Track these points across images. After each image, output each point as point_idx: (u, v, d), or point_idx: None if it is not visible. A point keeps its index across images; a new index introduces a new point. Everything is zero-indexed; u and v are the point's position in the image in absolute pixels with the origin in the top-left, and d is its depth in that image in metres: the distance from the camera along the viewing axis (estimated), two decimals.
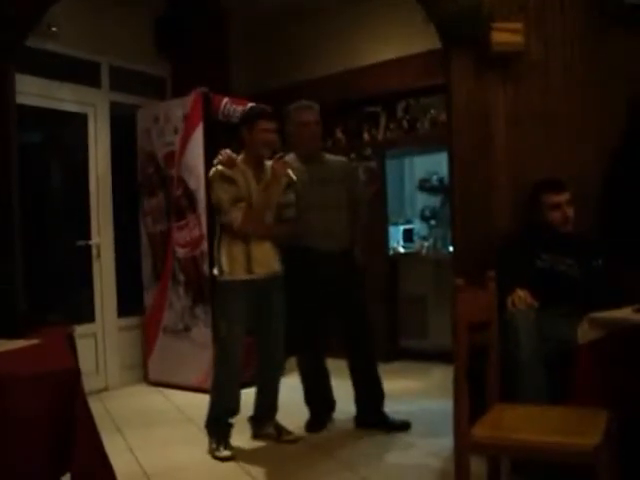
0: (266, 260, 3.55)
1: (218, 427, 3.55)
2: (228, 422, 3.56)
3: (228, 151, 3.55)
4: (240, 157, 3.56)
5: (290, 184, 3.61)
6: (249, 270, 3.49)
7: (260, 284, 3.52)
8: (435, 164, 6.07)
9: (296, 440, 3.66)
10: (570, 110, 3.34)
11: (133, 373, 5.38)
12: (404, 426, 3.76)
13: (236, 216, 3.41)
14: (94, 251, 5.17)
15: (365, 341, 3.86)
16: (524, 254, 3.11)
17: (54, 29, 4.76)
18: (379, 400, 3.86)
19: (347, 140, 6.03)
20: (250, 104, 5.01)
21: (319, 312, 3.82)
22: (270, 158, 3.54)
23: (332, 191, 3.78)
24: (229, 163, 3.48)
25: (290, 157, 3.85)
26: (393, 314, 5.83)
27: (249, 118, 3.60)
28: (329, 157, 3.99)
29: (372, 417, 3.83)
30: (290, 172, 3.55)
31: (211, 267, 3.84)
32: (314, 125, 3.82)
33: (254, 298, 3.52)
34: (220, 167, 3.48)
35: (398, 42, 5.54)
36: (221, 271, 3.52)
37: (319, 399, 3.96)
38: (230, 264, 3.49)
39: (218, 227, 3.58)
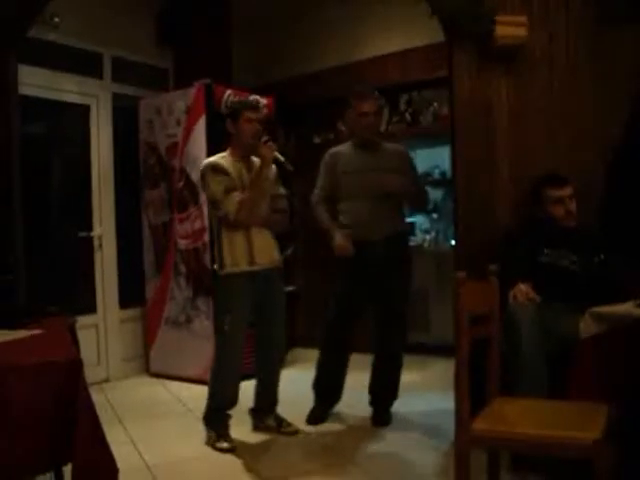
0: (267, 249, 3.56)
1: (217, 419, 3.56)
2: (226, 414, 3.57)
3: None
4: (229, 151, 3.58)
5: (287, 169, 3.60)
6: (251, 261, 3.49)
7: (261, 275, 3.52)
8: (437, 157, 6.06)
9: (296, 432, 3.67)
10: (573, 105, 3.33)
11: (134, 364, 5.40)
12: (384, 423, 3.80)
13: (230, 208, 3.40)
14: (96, 242, 5.18)
15: (396, 334, 3.81)
16: (526, 248, 3.11)
17: (56, 20, 4.75)
18: (388, 399, 3.88)
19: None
20: (253, 96, 5.04)
21: (356, 303, 3.79)
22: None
23: (383, 179, 3.72)
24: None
25: (346, 145, 3.89)
26: None
27: (233, 110, 3.61)
28: (386, 145, 3.92)
29: (379, 414, 3.85)
30: (277, 154, 3.51)
31: (212, 262, 3.84)
32: (372, 116, 3.77)
33: (256, 290, 3.52)
34: (211, 159, 3.51)
35: (401, 35, 5.53)
36: (222, 264, 3.51)
37: (328, 389, 3.94)
38: (232, 255, 3.48)
39: (215, 221, 3.57)
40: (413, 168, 3.93)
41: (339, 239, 3.67)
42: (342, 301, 3.79)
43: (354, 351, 3.90)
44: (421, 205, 4.16)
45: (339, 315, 3.81)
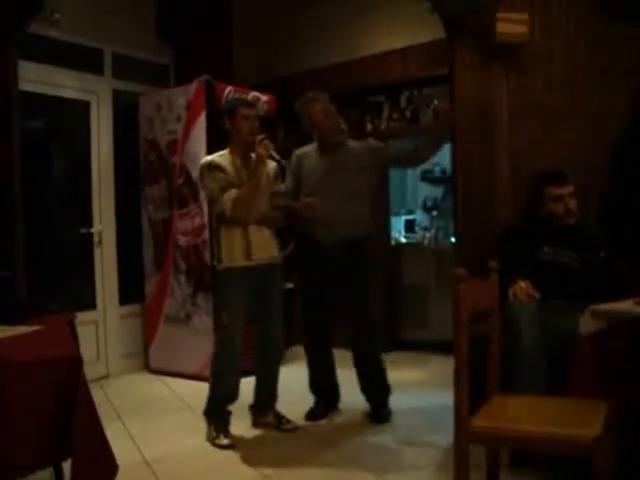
0: (266, 246, 3.57)
1: (217, 415, 3.56)
2: (227, 410, 3.58)
3: None
4: (228, 149, 3.59)
5: (282, 166, 3.60)
6: (248, 256, 3.50)
7: (259, 271, 3.52)
8: (437, 155, 6.04)
9: (296, 429, 3.67)
10: (573, 102, 3.33)
11: (134, 361, 5.40)
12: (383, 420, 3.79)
13: (226, 205, 3.41)
14: (96, 238, 5.17)
15: (364, 336, 3.80)
16: (526, 246, 3.12)
17: (57, 16, 4.74)
18: (382, 395, 3.87)
19: (350, 130, 5.98)
20: (254, 92, 5.04)
21: (322, 301, 3.81)
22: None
23: (348, 179, 3.70)
24: None
25: (312, 145, 3.90)
26: (394, 304, 5.83)
27: (228, 108, 3.62)
28: (354, 144, 3.91)
29: (376, 411, 3.84)
30: (273, 152, 3.50)
31: (212, 258, 3.85)
32: (322, 119, 3.77)
33: (254, 285, 3.53)
34: (208, 157, 3.53)
35: (402, 32, 5.51)
36: (220, 259, 3.52)
37: (324, 388, 3.96)
38: (229, 250, 3.50)
39: (215, 218, 3.58)
40: (391, 150, 3.99)
41: (301, 203, 3.65)
42: (308, 303, 3.84)
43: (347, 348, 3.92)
44: (419, 159, 4.10)
45: (309, 316, 3.85)
